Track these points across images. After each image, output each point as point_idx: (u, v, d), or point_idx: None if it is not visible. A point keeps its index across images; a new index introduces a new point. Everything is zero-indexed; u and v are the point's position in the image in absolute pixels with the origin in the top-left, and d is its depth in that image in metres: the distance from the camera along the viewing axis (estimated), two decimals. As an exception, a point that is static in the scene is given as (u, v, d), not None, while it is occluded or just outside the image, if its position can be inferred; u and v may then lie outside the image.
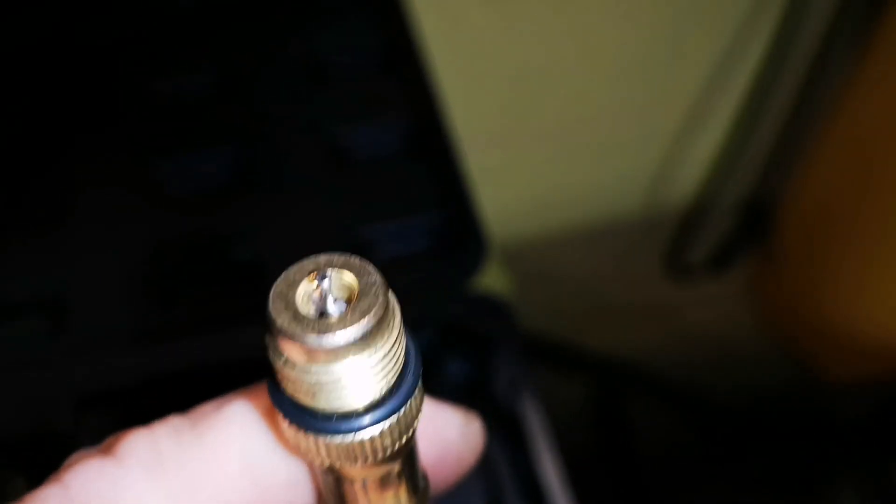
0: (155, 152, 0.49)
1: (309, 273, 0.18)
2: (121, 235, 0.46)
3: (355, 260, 0.18)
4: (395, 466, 0.21)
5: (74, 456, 0.22)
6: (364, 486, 0.21)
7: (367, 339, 0.17)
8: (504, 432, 0.41)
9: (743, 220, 0.92)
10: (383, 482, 0.21)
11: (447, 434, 0.25)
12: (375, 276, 0.18)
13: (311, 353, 0.17)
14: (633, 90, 0.82)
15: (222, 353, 0.42)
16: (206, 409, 0.22)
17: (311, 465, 0.21)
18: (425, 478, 0.23)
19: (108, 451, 0.21)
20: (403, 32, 0.53)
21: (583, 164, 0.87)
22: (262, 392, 0.22)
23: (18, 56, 0.53)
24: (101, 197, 0.48)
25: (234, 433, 0.21)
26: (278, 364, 0.18)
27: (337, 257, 0.18)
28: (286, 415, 0.19)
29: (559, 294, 0.96)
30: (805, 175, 0.84)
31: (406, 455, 0.21)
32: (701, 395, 0.99)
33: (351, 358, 0.17)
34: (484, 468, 0.40)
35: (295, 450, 0.20)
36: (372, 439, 0.19)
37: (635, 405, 0.99)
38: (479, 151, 0.77)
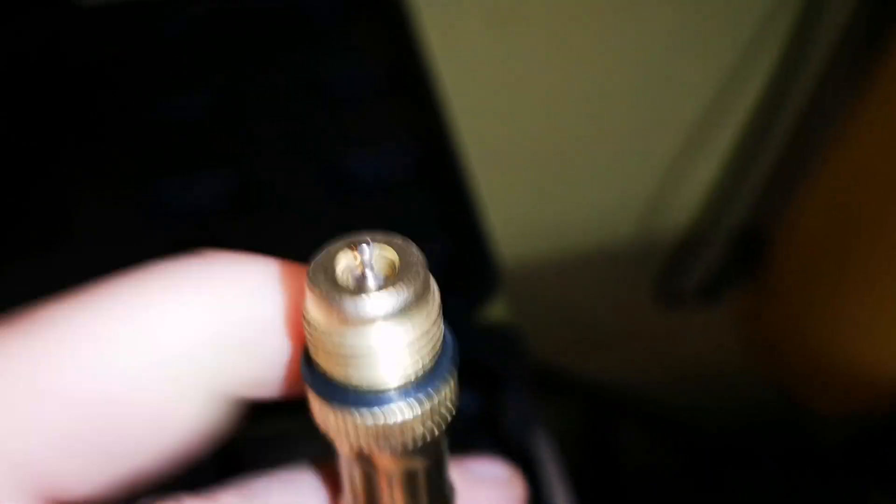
0: (156, 174, 0.48)
1: (350, 247, 0.18)
2: (121, 255, 0.45)
3: (397, 238, 0.18)
4: (423, 464, 0.20)
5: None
6: (390, 482, 0.20)
7: (403, 312, 0.17)
8: (515, 467, 0.40)
9: (735, 250, 0.92)
10: (410, 480, 0.20)
11: (489, 493, 0.24)
12: (417, 255, 0.18)
13: (348, 320, 0.17)
14: (632, 117, 0.82)
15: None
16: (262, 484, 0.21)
17: (339, 456, 0.21)
18: (453, 490, 0.23)
19: None
20: (410, 56, 0.53)
21: (577, 190, 0.87)
22: (329, 465, 0.21)
23: (20, 77, 0.52)
24: (102, 217, 0.47)
25: None
26: (313, 333, 0.18)
27: (379, 234, 0.18)
28: (317, 390, 0.18)
29: (549, 319, 0.96)
30: (799, 208, 0.85)
31: (436, 456, 0.21)
32: (688, 422, 0.99)
33: (386, 329, 0.17)
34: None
35: (323, 429, 0.19)
36: (402, 422, 0.18)
37: (622, 431, 0.99)
38: (473, 174, 0.76)
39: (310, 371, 0.19)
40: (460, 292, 0.43)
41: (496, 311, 0.82)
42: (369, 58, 0.53)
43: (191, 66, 0.52)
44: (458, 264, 0.44)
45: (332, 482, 0.22)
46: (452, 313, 0.44)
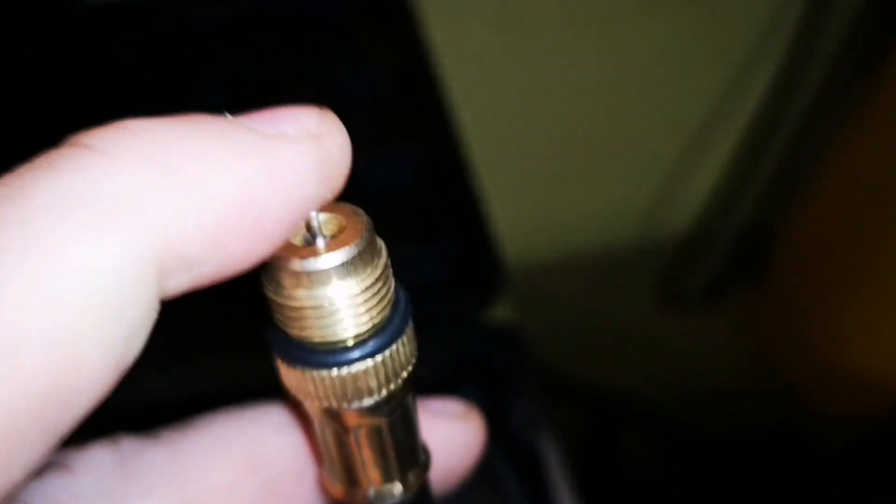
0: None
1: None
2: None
3: (347, 205, 0.20)
4: (387, 421, 0.21)
5: None
6: (357, 439, 0.21)
7: (349, 267, 0.19)
8: (522, 468, 0.40)
9: (738, 253, 0.92)
10: (377, 438, 0.21)
11: (446, 424, 0.25)
12: (363, 217, 0.19)
13: (298, 276, 0.19)
14: (636, 120, 0.82)
15: (220, 380, 0.42)
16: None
17: (309, 416, 0.22)
18: (426, 453, 0.24)
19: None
20: (418, 59, 0.53)
21: (582, 192, 0.88)
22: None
23: (19, 77, 0.52)
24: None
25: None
26: (270, 295, 0.19)
27: (331, 203, 0.19)
28: (279, 352, 0.20)
29: (552, 320, 0.96)
30: (803, 210, 0.85)
31: (401, 414, 0.22)
32: (690, 424, 0.99)
33: (334, 283, 0.19)
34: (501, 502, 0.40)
35: (292, 394, 0.21)
36: (357, 375, 0.19)
37: (625, 433, 0.99)
38: (479, 176, 0.77)
39: (273, 337, 0.20)
40: (468, 293, 0.44)
41: (501, 311, 0.82)
42: (378, 61, 0.53)
43: (197, 69, 0.52)
44: (465, 265, 0.44)
45: (305, 420, 0.23)
46: (460, 314, 0.44)
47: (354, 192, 0.51)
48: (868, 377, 0.83)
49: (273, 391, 0.22)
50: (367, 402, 0.20)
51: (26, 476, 0.15)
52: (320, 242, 0.19)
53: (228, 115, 0.18)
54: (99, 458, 0.21)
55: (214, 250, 0.17)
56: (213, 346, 0.44)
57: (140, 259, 0.15)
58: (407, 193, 0.48)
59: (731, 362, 0.98)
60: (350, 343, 0.19)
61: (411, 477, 0.23)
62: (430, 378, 0.43)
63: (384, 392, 0.20)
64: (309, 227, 0.19)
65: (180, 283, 0.17)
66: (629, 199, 0.89)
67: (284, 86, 0.52)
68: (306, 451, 0.23)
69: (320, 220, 0.19)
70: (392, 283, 0.20)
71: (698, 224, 0.91)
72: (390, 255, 0.20)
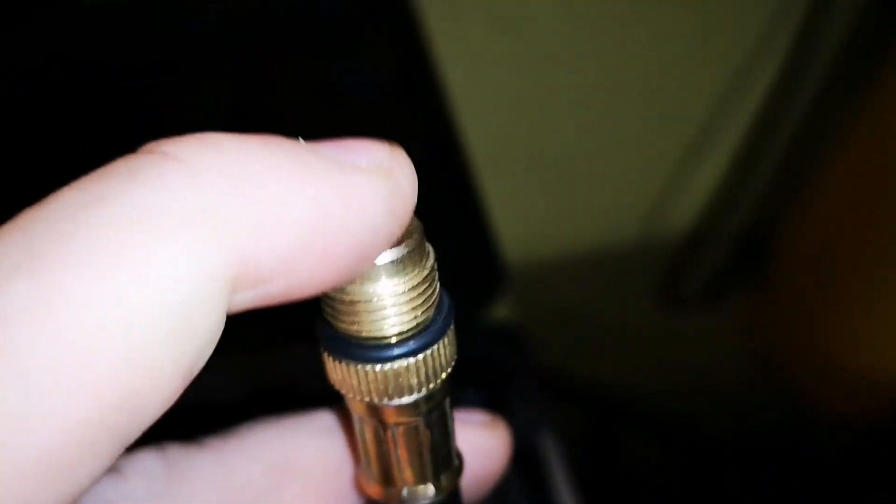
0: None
1: None
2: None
3: None
4: (425, 421, 0.22)
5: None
6: (394, 437, 0.22)
7: (398, 265, 0.19)
8: (523, 471, 0.40)
9: (739, 252, 0.92)
10: (412, 437, 0.22)
11: (474, 432, 0.25)
12: (415, 221, 0.20)
13: None
14: (636, 120, 0.82)
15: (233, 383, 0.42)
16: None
17: (350, 415, 0.22)
18: (460, 458, 0.24)
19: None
20: (418, 60, 0.53)
21: (582, 193, 0.87)
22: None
23: (20, 77, 0.52)
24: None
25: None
26: (325, 293, 0.20)
27: None
28: (326, 346, 0.21)
29: (552, 321, 0.96)
30: (804, 210, 0.85)
31: (436, 415, 0.22)
32: (691, 425, 0.99)
33: (383, 280, 0.19)
34: (501, 504, 0.40)
35: (337, 387, 0.21)
36: (399, 371, 0.20)
37: (626, 434, 0.99)
38: (479, 176, 0.77)
39: (321, 332, 0.21)
40: (467, 292, 0.44)
41: (502, 311, 0.82)
42: (378, 62, 0.53)
43: (199, 69, 0.52)
44: (465, 265, 0.44)
45: (350, 428, 0.23)
46: (461, 312, 0.44)
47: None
48: (869, 378, 0.83)
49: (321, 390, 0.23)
50: (406, 399, 0.21)
51: (93, 482, 0.15)
52: None
53: (302, 140, 0.18)
54: (148, 463, 0.22)
55: (285, 271, 0.17)
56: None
57: (215, 275, 0.16)
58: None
59: (732, 363, 0.98)
60: (393, 340, 0.20)
61: (444, 480, 0.23)
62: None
63: (423, 391, 0.21)
64: None
65: (247, 299, 0.17)
66: (630, 199, 0.89)
67: (284, 85, 0.52)
68: (346, 456, 0.24)
69: None
70: (437, 286, 0.21)
71: (699, 224, 0.91)
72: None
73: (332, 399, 0.22)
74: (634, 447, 0.99)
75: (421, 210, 0.51)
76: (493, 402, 0.43)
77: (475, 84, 0.72)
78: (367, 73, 0.53)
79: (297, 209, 0.17)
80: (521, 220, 0.87)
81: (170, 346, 0.15)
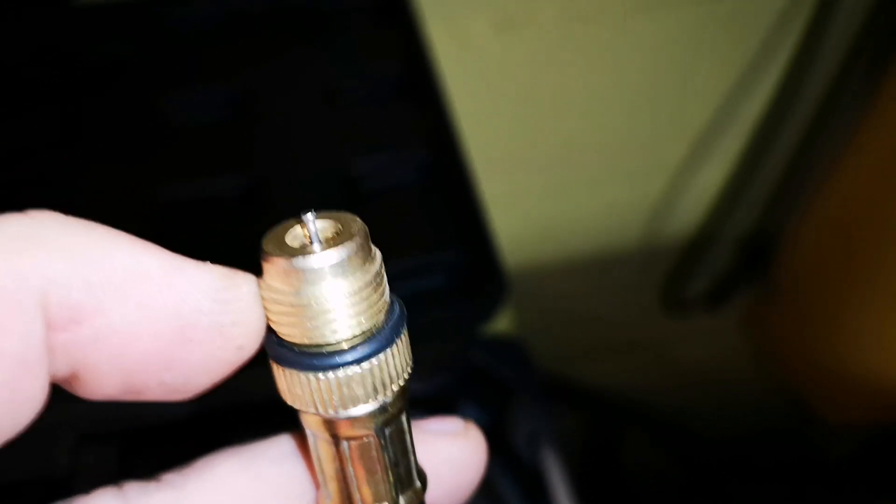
0: (160, 177, 0.47)
1: (298, 220, 0.20)
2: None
3: (344, 213, 0.20)
4: (377, 436, 0.21)
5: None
6: (347, 452, 0.21)
7: (339, 268, 0.19)
8: (524, 483, 0.39)
9: (741, 256, 0.91)
10: (366, 453, 0.21)
11: (446, 443, 0.24)
12: (359, 224, 0.20)
13: (289, 275, 0.19)
14: (638, 123, 0.81)
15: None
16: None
17: (307, 434, 0.22)
18: (423, 477, 0.23)
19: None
20: (418, 62, 0.52)
21: (583, 196, 0.87)
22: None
23: (19, 77, 0.51)
24: (104, 220, 0.46)
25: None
26: (268, 298, 0.20)
27: (326, 211, 0.20)
28: (270, 353, 0.20)
29: (553, 325, 0.95)
30: (806, 215, 0.84)
31: (392, 430, 0.21)
32: (693, 430, 0.98)
33: (325, 283, 0.19)
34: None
35: (287, 400, 0.21)
36: (343, 380, 0.19)
37: (628, 439, 0.98)
38: (479, 179, 0.76)
39: (268, 339, 0.20)
40: (468, 303, 0.43)
41: (502, 317, 0.81)
42: (377, 63, 0.53)
43: (197, 69, 0.51)
44: (466, 276, 0.43)
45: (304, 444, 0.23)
46: (460, 324, 0.43)
47: (352, 197, 0.50)
48: (872, 383, 0.82)
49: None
50: (356, 411, 0.20)
51: None
52: (316, 245, 0.19)
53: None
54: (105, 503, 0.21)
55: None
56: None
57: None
58: (406, 198, 0.47)
59: (736, 367, 0.97)
60: (338, 347, 0.19)
61: (404, 501, 0.22)
62: (430, 390, 0.42)
63: (371, 401, 0.20)
64: (306, 232, 0.20)
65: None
66: (633, 203, 0.89)
67: (284, 86, 0.51)
68: (309, 480, 0.23)
69: (317, 225, 0.20)
70: (385, 291, 0.20)
71: (702, 228, 0.91)
72: (388, 262, 0.20)
73: (290, 417, 0.22)
74: (637, 451, 0.99)
75: (421, 216, 0.50)
76: (493, 415, 0.42)
77: (475, 85, 0.72)
78: (366, 74, 0.52)
79: None
80: (522, 224, 0.86)
81: None
